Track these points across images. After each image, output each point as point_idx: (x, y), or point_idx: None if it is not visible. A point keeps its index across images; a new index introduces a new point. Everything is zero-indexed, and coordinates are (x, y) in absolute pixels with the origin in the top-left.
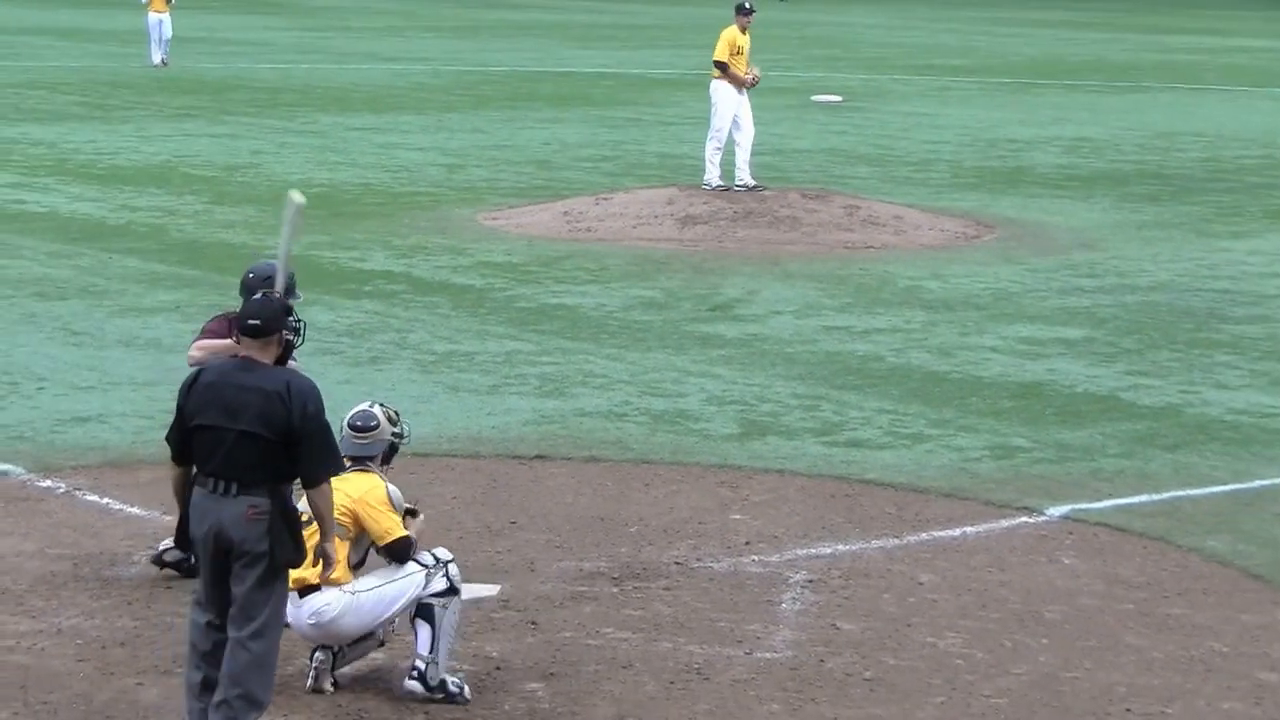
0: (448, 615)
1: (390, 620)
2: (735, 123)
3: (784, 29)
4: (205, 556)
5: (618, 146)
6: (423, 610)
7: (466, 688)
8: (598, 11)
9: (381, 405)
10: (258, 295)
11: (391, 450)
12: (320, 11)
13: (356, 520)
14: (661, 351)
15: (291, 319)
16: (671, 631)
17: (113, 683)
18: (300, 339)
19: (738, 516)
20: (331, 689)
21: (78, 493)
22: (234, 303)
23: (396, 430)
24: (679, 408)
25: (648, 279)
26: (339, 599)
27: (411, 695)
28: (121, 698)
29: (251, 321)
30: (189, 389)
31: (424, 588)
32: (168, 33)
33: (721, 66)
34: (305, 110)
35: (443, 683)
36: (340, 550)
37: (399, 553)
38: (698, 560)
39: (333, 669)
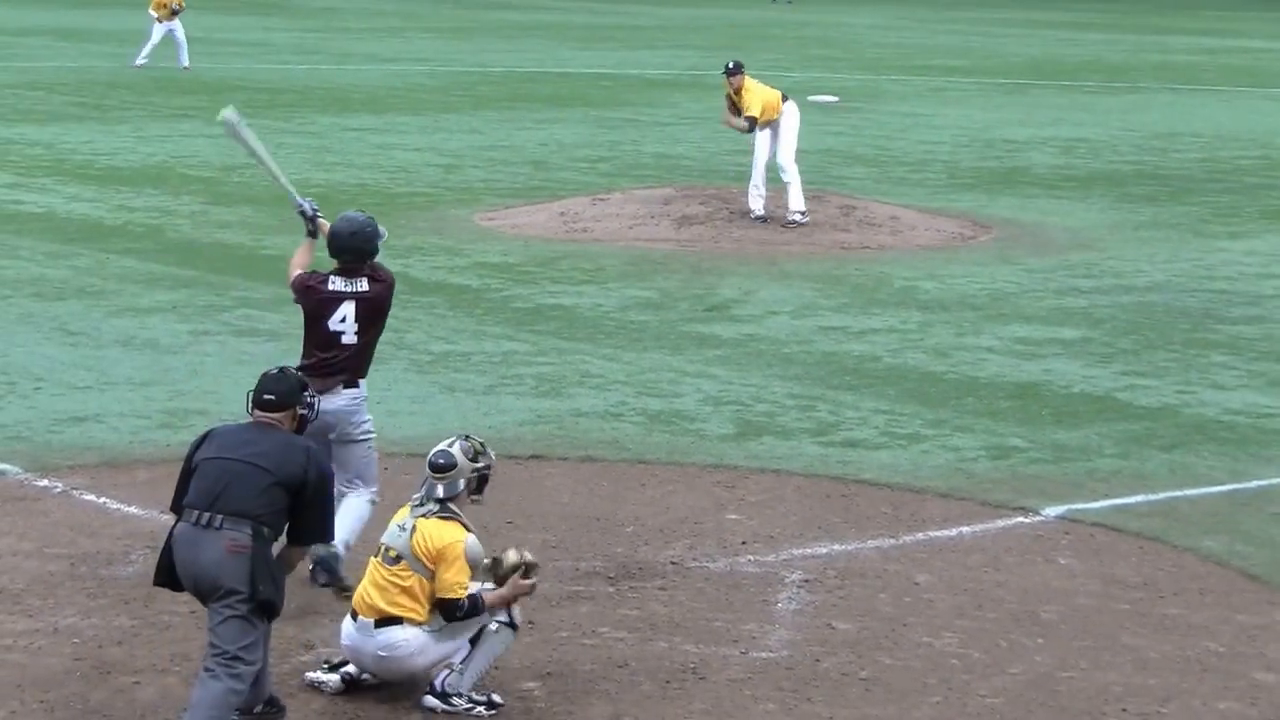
0: (494, 638)
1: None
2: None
3: (781, 29)
4: (193, 595)
5: (614, 147)
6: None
7: (496, 697)
8: (595, 13)
9: (464, 439)
10: (274, 370)
11: (481, 482)
12: (318, 12)
13: (435, 567)
14: (658, 352)
15: (306, 394)
16: (667, 631)
17: (109, 682)
18: (314, 414)
19: (734, 516)
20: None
21: (75, 492)
22: (232, 303)
23: (479, 465)
24: (675, 408)
25: (644, 279)
26: (418, 637)
27: (430, 710)
28: (118, 697)
29: (267, 396)
30: (199, 443)
31: (488, 621)
32: (183, 37)
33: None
34: (303, 111)
35: (466, 696)
36: (423, 589)
37: (446, 609)
38: (694, 560)
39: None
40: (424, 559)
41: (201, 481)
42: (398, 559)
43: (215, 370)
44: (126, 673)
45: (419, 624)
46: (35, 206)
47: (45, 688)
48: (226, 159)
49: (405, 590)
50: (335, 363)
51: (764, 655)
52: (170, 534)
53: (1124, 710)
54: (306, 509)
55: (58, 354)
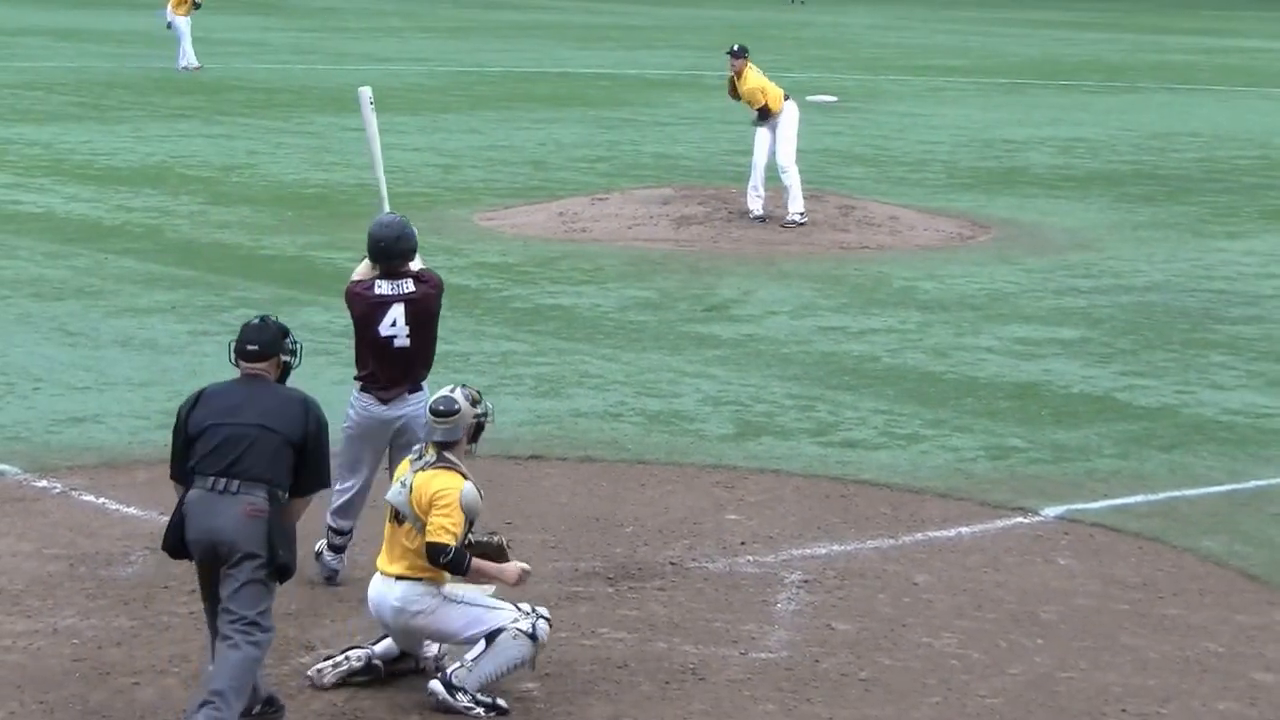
0: (512, 644)
1: (456, 642)
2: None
3: (780, 29)
4: (200, 569)
5: (613, 147)
6: (493, 633)
7: (501, 702)
8: (594, 12)
9: (464, 388)
10: (255, 320)
11: (478, 430)
12: (317, 12)
13: (428, 512)
14: (657, 352)
15: (289, 341)
16: (666, 632)
17: (109, 683)
18: (297, 360)
19: (733, 517)
20: (325, 686)
21: (74, 493)
22: (231, 303)
23: (479, 411)
24: (674, 408)
25: (643, 279)
26: (432, 598)
27: (433, 694)
28: (118, 698)
29: (250, 346)
30: (192, 405)
31: (509, 623)
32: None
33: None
34: (301, 110)
35: (470, 695)
36: (414, 541)
37: (430, 553)
38: (693, 560)
39: (347, 676)
40: (421, 513)
41: (212, 448)
42: (402, 520)
43: (214, 370)
44: (126, 674)
45: (438, 584)
46: (34, 206)
47: (44, 689)
48: (226, 159)
49: (415, 552)
50: (394, 371)
51: (763, 656)
52: (182, 501)
53: (1123, 711)
54: (308, 460)
55: (56, 354)
